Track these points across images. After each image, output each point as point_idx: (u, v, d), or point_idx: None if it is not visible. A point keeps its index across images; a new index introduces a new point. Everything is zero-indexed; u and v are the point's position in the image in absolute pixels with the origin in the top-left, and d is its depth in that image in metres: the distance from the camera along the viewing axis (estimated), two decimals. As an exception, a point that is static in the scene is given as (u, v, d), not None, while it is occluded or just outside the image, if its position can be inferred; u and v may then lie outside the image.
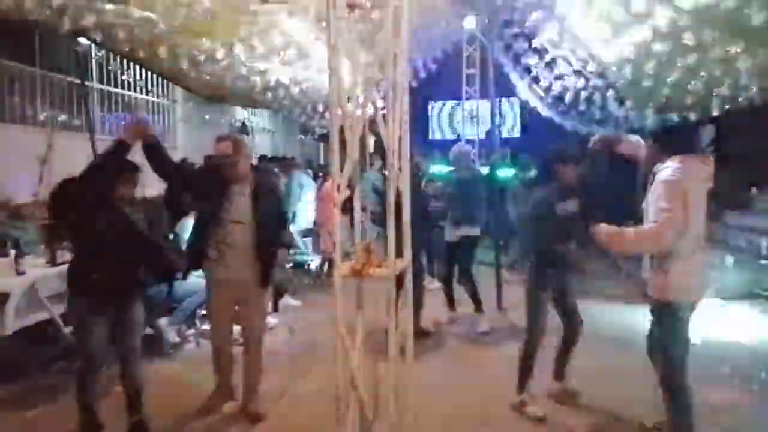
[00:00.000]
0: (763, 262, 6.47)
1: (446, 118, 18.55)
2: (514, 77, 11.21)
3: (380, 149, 2.37)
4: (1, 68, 6.47)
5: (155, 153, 3.09)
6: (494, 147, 6.86)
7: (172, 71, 7.41)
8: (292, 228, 6.80)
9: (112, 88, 8.37)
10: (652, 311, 2.87)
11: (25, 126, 6.77)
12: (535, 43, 8.14)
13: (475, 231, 5.19)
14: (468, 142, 10.22)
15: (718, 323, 5.09)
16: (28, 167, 5.61)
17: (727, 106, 6.58)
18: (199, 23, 5.44)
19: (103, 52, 7.58)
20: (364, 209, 2.59)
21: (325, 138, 13.11)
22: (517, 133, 17.64)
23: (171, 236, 4.72)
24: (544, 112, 11.81)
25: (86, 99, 6.86)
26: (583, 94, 8.83)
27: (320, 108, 10.29)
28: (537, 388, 3.45)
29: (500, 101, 14.48)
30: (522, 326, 5.07)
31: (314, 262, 7.48)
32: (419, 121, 17.09)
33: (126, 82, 8.59)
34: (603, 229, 2.75)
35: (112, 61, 7.97)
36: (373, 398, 2.41)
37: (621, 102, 8.39)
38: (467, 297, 5.26)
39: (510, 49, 9.56)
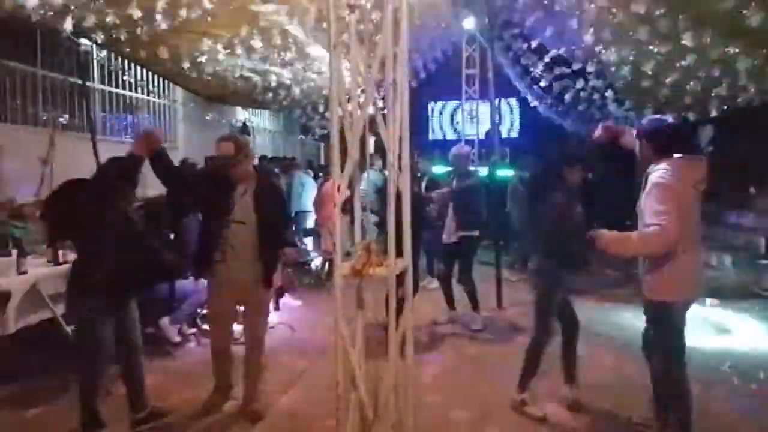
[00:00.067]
0: (762, 261, 6.48)
1: (446, 119, 18.57)
2: (514, 77, 11.22)
3: (380, 149, 2.38)
4: (2, 68, 6.49)
5: (162, 164, 3.15)
6: (494, 147, 6.87)
7: (173, 72, 7.44)
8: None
9: (113, 89, 8.38)
10: (645, 311, 2.88)
11: (26, 126, 6.79)
12: (535, 43, 8.15)
13: (474, 232, 5.23)
14: (468, 142, 10.24)
15: (717, 323, 5.10)
16: (30, 167, 5.62)
17: (725, 107, 6.60)
18: (200, 23, 5.45)
19: (104, 52, 7.59)
20: (364, 209, 2.60)
21: (325, 138, 13.14)
22: (516, 133, 17.67)
23: (172, 236, 4.75)
24: (544, 112, 11.82)
25: (87, 99, 6.89)
26: (583, 95, 8.85)
27: (321, 108, 10.31)
28: (536, 388, 3.46)
29: (500, 101, 14.52)
30: (521, 325, 5.15)
31: (314, 262, 7.49)
32: (419, 121, 17.11)
33: (127, 82, 8.60)
34: (605, 234, 2.74)
35: (113, 61, 7.98)
36: (373, 398, 2.41)
37: (620, 102, 8.41)
38: (467, 297, 5.28)
39: (510, 49, 9.57)
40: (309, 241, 8.06)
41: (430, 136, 18.31)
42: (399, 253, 2.30)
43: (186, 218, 4.71)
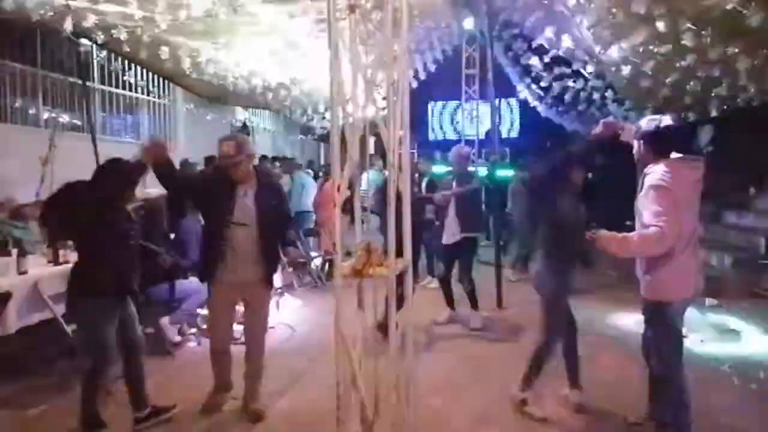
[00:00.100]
0: (762, 261, 6.48)
1: (446, 119, 18.58)
2: (514, 77, 11.23)
3: (380, 149, 2.39)
4: (2, 69, 6.49)
5: (167, 172, 3.18)
6: (494, 147, 6.88)
7: (173, 72, 7.45)
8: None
9: (113, 89, 8.39)
10: (643, 311, 2.88)
11: (26, 126, 6.79)
12: (535, 43, 8.16)
13: (475, 233, 5.26)
14: (468, 142, 10.25)
15: (717, 323, 5.10)
16: (30, 167, 5.63)
17: (725, 107, 6.60)
18: (200, 23, 5.46)
19: (104, 52, 7.60)
20: (365, 209, 2.60)
21: (325, 138, 13.16)
22: (516, 134, 17.69)
23: (171, 236, 4.76)
24: (544, 112, 11.84)
25: (88, 99, 6.89)
26: (583, 95, 8.86)
27: (321, 108, 10.32)
28: (536, 387, 3.45)
29: (500, 101, 14.53)
30: (522, 325, 5.15)
31: (314, 262, 7.49)
32: (419, 121, 17.13)
33: (127, 82, 8.60)
34: (604, 234, 2.74)
35: (113, 61, 7.99)
36: (373, 398, 2.42)
37: (620, 102, 8.42)
38: (466, 296, 5.29)
39: (510, 49, 9.59)
40: (309, 241, 8.06)
41: (430, 136, 18.33)
42: (399, 253, 2.30)
43: (185, 219, 4.72)
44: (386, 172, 2.40)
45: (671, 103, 7.25)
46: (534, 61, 8.82)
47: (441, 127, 18.66)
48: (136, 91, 8.91)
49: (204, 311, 4.55)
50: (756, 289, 6.16)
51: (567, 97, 9.32)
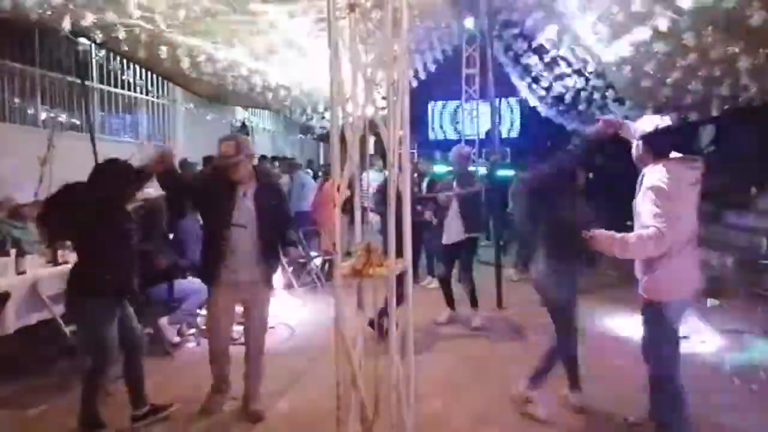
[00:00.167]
0: (763, 262, 6.47)
1: (447, 118, 18.58)
2: (514, 77, 11.23)
3: (380, 149, 2.38)
4: (1, 68, 6.48)
5: (171, 180, 3.20)
6: (494, 147, 6.87)
7: (173, 71, 7.43)
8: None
9: (112, 88, 8.37)
10: (642, 311, 2.87)
11: (25, 126, 6.78)
12: (535, 43, 8.15)
13: (477, 234, 5.26)
14: (468, 141, 10.24)
15: (718, 323, 5.09)
16: (29, 167, 5.61)
17: (726, 106, 6.59)
18: (199, 23, 5.45)
19: (103, 51, 7.58)
20: (364, 209, 2.59)
21: (325, 138, 13.15)
22: (516, 133, 17.69)
23: (171, 236, 4.75)
24: (544, 112, 11.83)
25: (86, 99, 6.88)
26: (583, 94, 8.85)
27: (320, 108, 10.31)
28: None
29: (500, 101, 14.52)
30: (522, 325, 5.15)
31: (314, 262, 7.47)
32: (419, 121, 17.13)
33: (126, 82, 8.59)
34: (602, 234, 2.73)
35: (112, 61, 7.97)
36: (373, 398, 2.41)
37: (621, 102, 8.40)
38: (466, 297, 5.28)
39: (510, 49, 9.58)
40: (309, 241, 8.05)
41: (431, 136, 18.33)
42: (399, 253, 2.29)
43: (185, 219, 4.71)
44: (386, 172, 2.39)
45: (672, 103, 7.23)
46: (534, 60, 8.82)
47: (441, 127, 18.66)
48: (135, 91, 8.90)
49: (203, 312, 4.55)
50: (757, 289, 6.15)
51: (567, 96, 9.32)
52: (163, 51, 6.05)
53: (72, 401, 3.12)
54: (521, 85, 11.49)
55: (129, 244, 3.10)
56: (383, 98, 2.32)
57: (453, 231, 5.20)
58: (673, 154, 2.73)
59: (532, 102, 11.83)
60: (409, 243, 2.35)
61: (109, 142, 7.79)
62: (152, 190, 3.95)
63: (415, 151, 13.01)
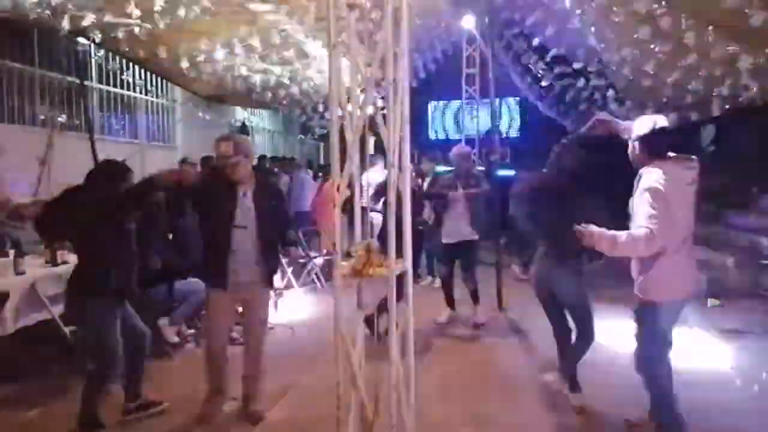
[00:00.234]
0: (764, 261, 6.46)
1: (447, 118, 18.57)
2: (515, 77, 11.23)
3: (380, 149, 2.37)
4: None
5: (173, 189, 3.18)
6: (494, 147, 6.85)
7: (172, 71, 7.43)
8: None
9: (111, 88, 8.36)
10: (635, 310, 2.86)
11: (24, 126, 6.76)
12: (535, 42, 8.15)
13: (474, 236, 5.22)
14: (468, 141, 10.24)
15: (718, 323, 5.09)
16: (28, 167, 5.60)
17: (727, 106, 6.58)
18: (199, 23, 5.44)
19: (102, 51, 7.57)
20: (364, 209, 2.59)
21: (325, 138, 13.14)
22: (516, 133, 17.68)
23: (170, 236, 4.74)
24: (544, 111, 11.83)
25: (85, 99, 6.87)
26: (584, 94, 8.86)
27: (320, 108, 10.31)
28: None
29: (500, 101, 14.51)
30: (522, 326, 5.14)
31: (314, 262, 7.46)
32: (419, 121, 17.12)
33: (126, 82, 8.58)
34: (594, 231, 2.72)
35: (111, 60, 7.96)
36: (373, 398, 2.40)
37: (621, 101, 8.40)
38: (467, 297, 5.27)
39: (510, 48, 9.58)
40: (309, 241, 8.04)
41: (431, 136, 18.32)
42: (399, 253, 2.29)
43: (184, 219, 4.69)
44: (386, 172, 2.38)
45: (673, 103, 7.23)
46: (534, 60, 8.82)
47: (442, 127, 18.65)
48: (135, 91, 8.88)
49: (203, 312, 4.54)
50: (758, 289, 6.14)
51: (568, 96, 9.32)
52: (163, 51, 6.04)
53: (72, 401, 3.12)
54: (522, 85, 11.50)
55: (129, 244, 3.10)
56: (383, 98, 2.31)
57: (454, 231, 5.18)
58: (670, 155, 2.72)
59: (533, 102, 11.83)
60: (410, 243, 2.34)
61: (108, 141, 7.79)
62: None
63: (416, 152, 13.02)
